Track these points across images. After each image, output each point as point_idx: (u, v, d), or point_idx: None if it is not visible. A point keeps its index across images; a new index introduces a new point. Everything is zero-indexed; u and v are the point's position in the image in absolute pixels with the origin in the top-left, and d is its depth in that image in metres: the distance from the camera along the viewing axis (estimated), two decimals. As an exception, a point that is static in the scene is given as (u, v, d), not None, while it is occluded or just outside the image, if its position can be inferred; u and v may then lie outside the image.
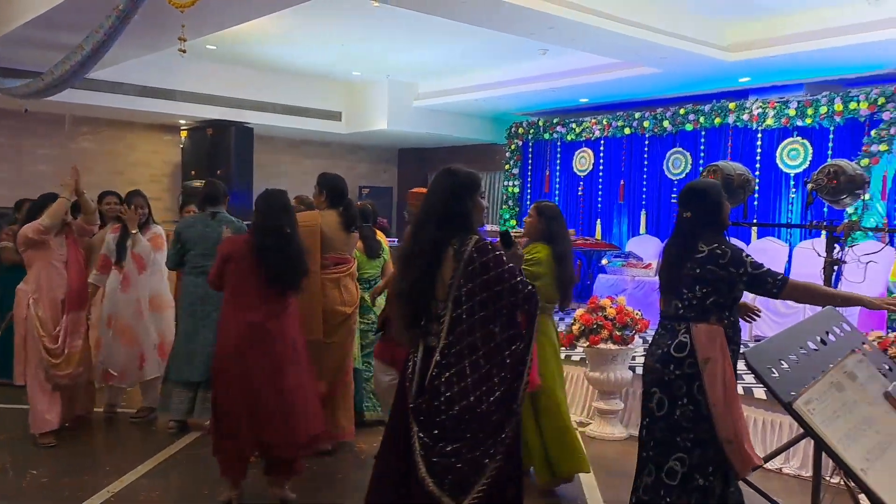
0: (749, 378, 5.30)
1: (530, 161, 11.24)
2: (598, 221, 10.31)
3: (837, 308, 2.33)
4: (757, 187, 8.13)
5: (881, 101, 7.50)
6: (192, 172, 10.68)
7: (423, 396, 2.58)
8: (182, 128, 11.05)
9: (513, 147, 11.37)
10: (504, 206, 11.48)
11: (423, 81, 10.84)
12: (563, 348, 5.61)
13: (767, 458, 3.25)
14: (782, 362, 1.83)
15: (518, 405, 2.57)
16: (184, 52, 5.15)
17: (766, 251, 8.04)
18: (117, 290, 5.36)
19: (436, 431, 2.53)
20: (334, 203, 4.77)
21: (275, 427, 3.77)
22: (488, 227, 10.33)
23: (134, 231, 5.35)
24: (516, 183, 11.31)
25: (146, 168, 10.89)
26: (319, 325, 4.55)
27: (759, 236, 8.38)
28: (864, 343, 2.01)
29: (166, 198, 11.06)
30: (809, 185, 4.05)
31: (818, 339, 1.94)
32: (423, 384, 2.60)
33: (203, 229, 5.08)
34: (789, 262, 7.86)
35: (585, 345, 5.32)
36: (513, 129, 11.35)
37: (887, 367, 1.95)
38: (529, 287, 2.62)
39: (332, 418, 4.61)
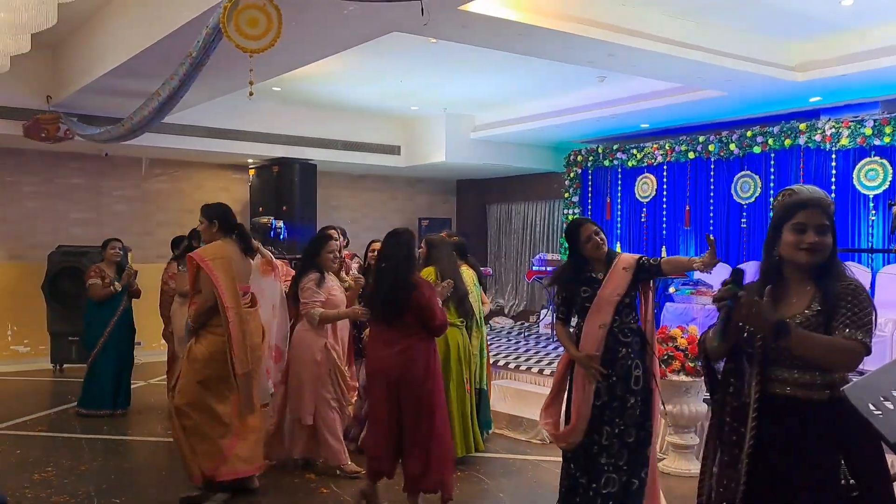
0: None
1: (590, 188, 11.15)
2: (664, 248, 10.11)
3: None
4: (834, 210, 7.88)
5: (962, 116, 7.20)
6: (260, 209, 10.92)
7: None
8: (250, 166, 11.35)
9: (572, 175, 11.31)
10: (563, 235, 11.37)
11: (480, 113, 10.90)
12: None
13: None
14: (886, 400, 1.73)
15: None
16: (252, 94, 5.29)
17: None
18: None
19: None
20: (226, 231, 4.58)
21: None
22: (548, 256, 10.25)
23: None
24: (576, 211, 11.22)
25: (215, 206, 11.23)
26: (247, 357, 4.42)
27: (839, 261, 8.09)
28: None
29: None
30: (895, 208, 3.87)
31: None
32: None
33: None
34: (872, 287, 7.54)
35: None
36: (571, 157, 11.29)
37: None
38: None
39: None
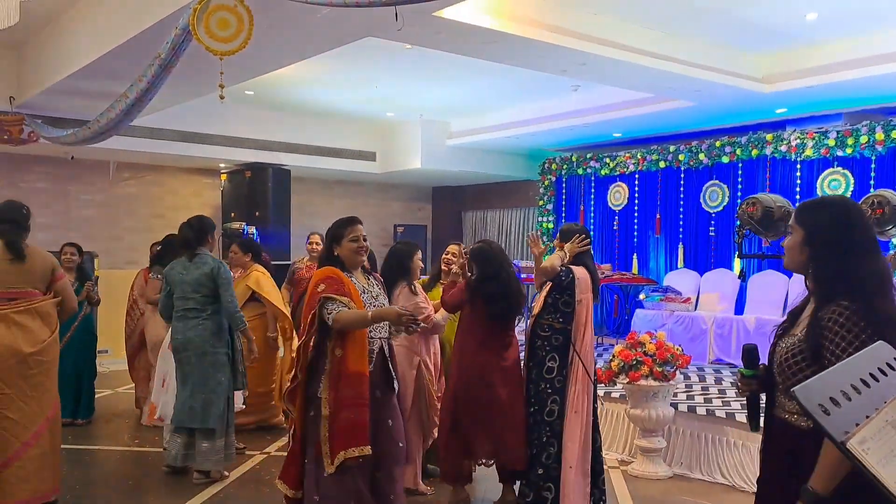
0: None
1: (564, 196, 11.23)
2: (635, 256, 10.21)
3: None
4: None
5: (923, 128, 7.37)
6: (232, 214, 10.85)
7: None
8: (221, 171, 11.27)
9: (546, 183, 11.38)
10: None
11: (455, 120, 10.94)
12: (602, 384, 5.55)
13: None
14: (834, 399, 1.76)
15: None
16: (223, 97, 5.26)
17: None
18: None
19: None
20: None
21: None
22: (522, 263, 10.29)
23: None
24: (550, 219, 11.30)
25: (187, 211, 10.97)
26: None
27: (802, 269, 8.22)
28: (919, 379, 1.93)
29: (208, 240, 11.26)
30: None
31: (871, 374, 1.86)
32: None
33: (181, 272, 5.05)
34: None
35: (625, 381, 5.24)
36: (546, 165, 11.36)
37: (945, 404, 1.87)
38: None
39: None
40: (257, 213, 10.60)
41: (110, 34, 5.96)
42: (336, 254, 3.53)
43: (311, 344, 3.39)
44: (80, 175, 10.30)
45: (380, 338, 3.50)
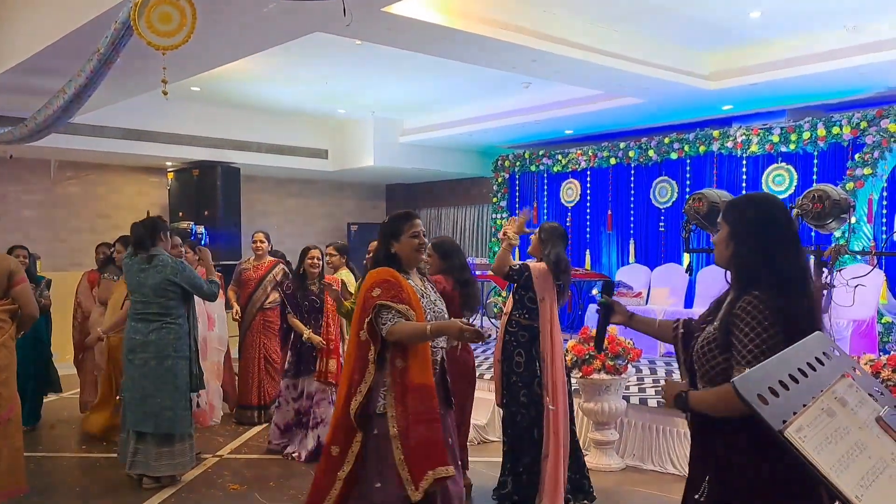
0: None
1: (517, 193, 11.27)
2: (587, 251, 10.31)
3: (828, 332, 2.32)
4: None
5: (863, 125, 7.57)
6: (180, 214, 10.64)
7: None
8: (168, 169, 11.03)
9: (499, 180, 11.40)
10: (493, 240, 11.48)
11: (408, 117, 10.89)
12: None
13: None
14: (772, 389, 1.80)
15: None
16: (166, 93, 5.14)
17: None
18: None
19: None
20: None
21: None
22: (477, 260, 10.31)
23: None
24: (504, 216, 11.32)
25: (132, 211, 10.76)
26: None
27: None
28: (854, 368, 1.98)
29: (154, 240, 11.00)
30: (795, 211, 4.06)
31: (808, 364, 1.90)
32: None
33: (138, 275, 4.91)
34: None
35: (578, 375, 5.28)
36: (499, 162, 11.39)
37: (878, 392, 1.92)
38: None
39: None
40: (206, 213, 10.41)
41: (48, 29, 5.77)
42: (394, 252, 3.17)
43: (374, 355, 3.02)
44: (19, 175, 9.97)
45: (441, 347, 3.17)
